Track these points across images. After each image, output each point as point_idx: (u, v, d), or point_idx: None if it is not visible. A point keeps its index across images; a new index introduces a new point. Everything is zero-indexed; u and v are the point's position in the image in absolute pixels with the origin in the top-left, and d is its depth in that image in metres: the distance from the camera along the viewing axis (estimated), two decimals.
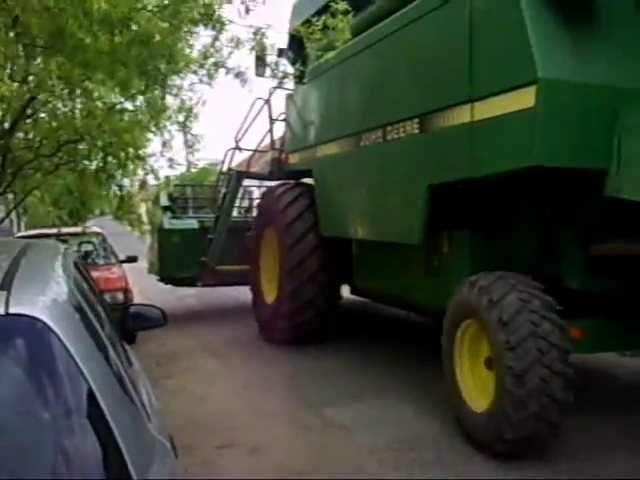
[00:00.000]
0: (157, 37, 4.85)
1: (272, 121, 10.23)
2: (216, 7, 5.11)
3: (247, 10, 5.28)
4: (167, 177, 10.70)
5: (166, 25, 4.83)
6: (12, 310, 1.57)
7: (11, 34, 4.82)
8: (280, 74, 8.02)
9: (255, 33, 5.81)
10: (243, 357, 8.51)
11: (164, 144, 8.04)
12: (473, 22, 5.16)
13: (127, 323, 4.20)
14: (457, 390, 5.40)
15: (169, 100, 7.40)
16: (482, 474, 4.73)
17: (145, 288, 13.53)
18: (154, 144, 16.34)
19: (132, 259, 10.69)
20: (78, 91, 6.32)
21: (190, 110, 7.12)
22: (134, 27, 4.74)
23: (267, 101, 10.17)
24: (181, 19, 4.86)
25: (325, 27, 6.26)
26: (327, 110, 8.19)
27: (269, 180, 10.50)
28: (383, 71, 6.68)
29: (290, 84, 8.91)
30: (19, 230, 22.80)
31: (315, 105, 8.56)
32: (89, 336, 1.85)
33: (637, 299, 5.33)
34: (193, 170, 17.90)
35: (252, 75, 6.12)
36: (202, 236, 10.76)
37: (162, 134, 7.90)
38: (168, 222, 10.91)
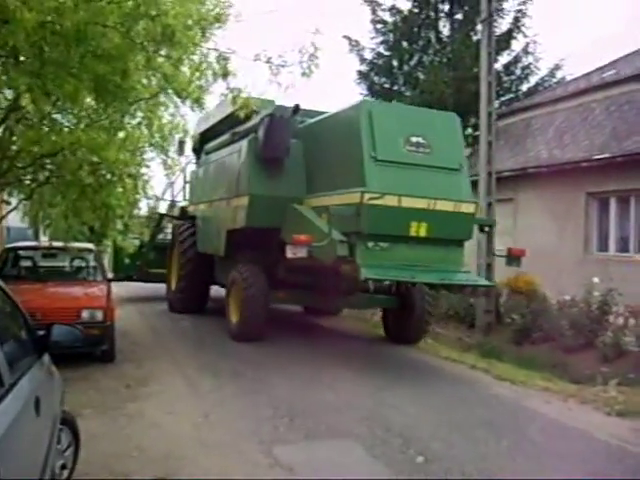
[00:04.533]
0: (113, 52, 4.78)
1: (185, 184, 16.81)
2: (177, 29, 4.97)
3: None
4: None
5: (120, 41, 4.74)
6: None
7: None
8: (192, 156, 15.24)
9: (218, 58, 5.72)
10: (214, 385, 8.26)
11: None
12: (240, 163, 11.66)
13: (48, 341, 4.08)
14: (229, 315, 11.54)
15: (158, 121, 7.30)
16: None
17: (144, 309, 15.58)
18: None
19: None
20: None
21: (170, 132, 7.01)
22: (91, 41, 4.67)
23: (182, 170, 16.59)
24: (137, 37, 4.77)
25: None
26: (202, 185, 14.88)
27: (179, 219, 16.05)
28: (217, 173, 13.54)
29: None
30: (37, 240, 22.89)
31: (200, 181, 15.21)
32: None
33: (307, 284, 11.27)
34: None
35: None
36: (140, 250, 16.25)
37: (139, 154, 7.77)
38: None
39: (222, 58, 5.68)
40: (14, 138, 6.89)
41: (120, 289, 15.33)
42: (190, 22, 5.24)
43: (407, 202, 9.13)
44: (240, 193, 11.44)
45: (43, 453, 3.42)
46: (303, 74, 6.89)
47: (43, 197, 9.28)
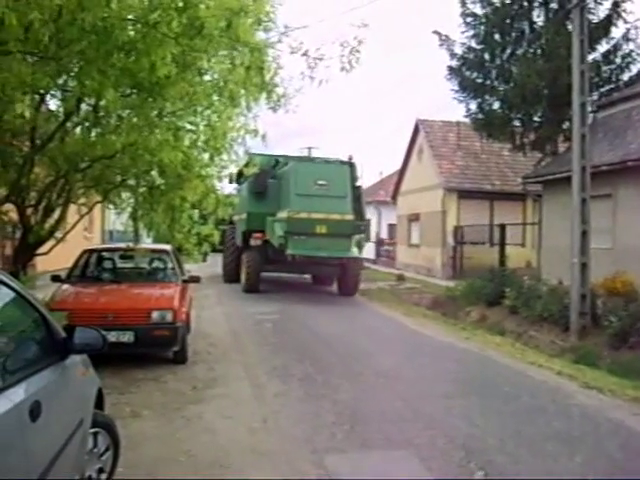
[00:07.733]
0: (139, 46, 4.64)
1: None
2: (207, 22, 4.76)
3: None
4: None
5: (144, 34, 4.58)
6: None
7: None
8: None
9: (252, 50, 5.44)
10: (279, 390, 8.06)
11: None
12: (247, 193, 20.62)
13: (69, 343, 3.99)
14: (242, 278, 20.41)
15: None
16: None
17: (231, 312, 15.87)
18: None
19: (195, 279, 10.62)
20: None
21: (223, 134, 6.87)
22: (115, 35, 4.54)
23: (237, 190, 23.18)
24: (162, 29, 4.59)
25: None
26: (238, 202, 18.32)
27: (229, 224, 21.98)
28: (240, 197, 19.42)
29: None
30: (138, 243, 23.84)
31: (238, 199, 19.50)
32: None
33: (287, 266, 19.70)
34: None
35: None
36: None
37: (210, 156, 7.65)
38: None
39: (255, 50, 5.45)
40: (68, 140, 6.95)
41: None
42: (223, 15, 5.01)
43: (314, 215, 17.82)
44: (244, 210, 19.85)
45: (47, 456, 3.31)
46: (342, 69, 6.64)
47: (139, 200, 9.38)
